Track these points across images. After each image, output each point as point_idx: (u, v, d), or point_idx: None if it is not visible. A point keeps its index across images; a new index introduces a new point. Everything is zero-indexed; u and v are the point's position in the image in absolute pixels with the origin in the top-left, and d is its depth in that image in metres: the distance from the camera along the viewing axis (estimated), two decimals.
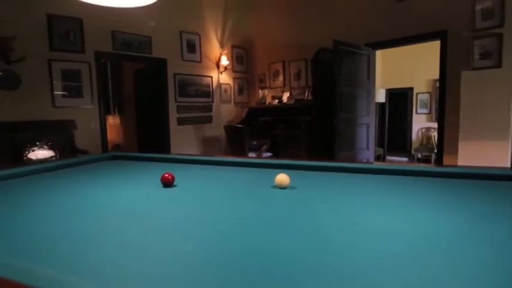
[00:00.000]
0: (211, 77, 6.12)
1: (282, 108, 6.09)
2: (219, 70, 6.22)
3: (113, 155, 2.36)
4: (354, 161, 4.42)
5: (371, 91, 5.21)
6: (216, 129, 6.16)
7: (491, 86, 3.33)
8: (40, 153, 3.71)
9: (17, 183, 1.59)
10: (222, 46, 6.25)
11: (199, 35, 5.85)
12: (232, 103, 6.59)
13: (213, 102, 6.17)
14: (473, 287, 0.60)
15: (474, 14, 3.36)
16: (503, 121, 3.27)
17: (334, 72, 4.55)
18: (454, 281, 0.63)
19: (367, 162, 4.61)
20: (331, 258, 0.74)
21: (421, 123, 7.37)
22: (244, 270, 0.69)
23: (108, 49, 4.67)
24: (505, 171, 1.45)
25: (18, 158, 3.60)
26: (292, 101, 6.02)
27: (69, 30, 4.24)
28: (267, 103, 6.50)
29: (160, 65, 5.34)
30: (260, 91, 6.74)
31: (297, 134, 5.39)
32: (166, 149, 5.41)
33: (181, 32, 5.55)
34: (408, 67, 7.18)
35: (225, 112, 6.42)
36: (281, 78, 6.37)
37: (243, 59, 6.75)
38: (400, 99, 7.55)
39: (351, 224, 0.97)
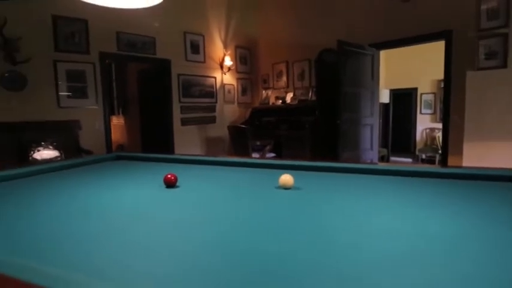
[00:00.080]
0: (215, 78, 6.13)
1: (286, 108, 6.09)
2: (222, 70, 6.24)
3: (117, 155, 2.37)
4: (357, 161, 4.41)
5: (375, 91, 5.19)
6: (219, 130, 6.17)
7: (497, 86, 3.30)
8: (45, 153, 3.74)
9: (22, 183, 1.60)
10: (225, 47, 6.26)
11: (203, 36, 5.86)
12: (236, 103, 6.60)
13: (216, 102, 6.18)
14: None
15: (479, 14, 3.34)
16: (509, 122, 3.25)
17: (338, 73, 4.54)
18: (458, 282, 0.62)
19: (371, 162, 4.59)
20: (335, 258, 0.74)
21: (426, 123, 7.33)
22: (248, 270, 0.69)
23: (113, 50, 4.70)
24: (511, 172, 1.44)
25: (23, 157, 3.63)
26: (295, 102, 6.01)
27: (74, 31, 4.27)
28: (271, 103, 6.50)
29: (164, 65, 5.36)
30: (264, 91, 6.74)
31: (301, 135, 5.38)
32: (170, 149, 5.43)
33: (185, 33, 5.57)
34: (412, 67, 7.15)
35: (229, 112, 6.43)
36: (285, 78, 6.37)
37: (247, 60, 6.75)
38: (404, 99, 7.51)
39: (355, 225, 0.97)
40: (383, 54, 5.67)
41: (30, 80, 3.90)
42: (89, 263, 0.74)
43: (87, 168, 2.00)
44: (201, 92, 5.91)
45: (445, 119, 4.43)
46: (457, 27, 4.12)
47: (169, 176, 1.46)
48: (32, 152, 3.68)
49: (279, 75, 6.46)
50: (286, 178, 1.38)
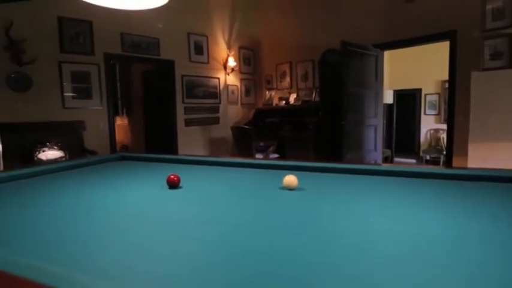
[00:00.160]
0: (219, 78, 6.14)
1: (289, 109, 6.08)
2: (226, 71, 6.25)
3: (121, 155, 2.39)
4: (361, 162, 4.39)
5: (379, 92, 5.17)
6: (223, 131, 6.18)
7: (502, 87, 3.28)
8: (50, 154, 3.77)
9: (27, 184, 1.62)
10: (229, 47, 6.27)
11: (207, 37, 5.88)
12: (239, 104, 6.60)
13: (220, 103, 6.19)
14: None
15: (484, 14, 3.32)
16: None
17: (342, 73, 4.53)
18: (460, 283, 0.62)
19: (375, 163, 4.58)
20: (338, 259, 0.74)
21: (430, 124, 7.29)
22: (250, 271, 0.69)
23: (117, 51, 4.73)
24: None
25: (28, 158, 3.66)
26: (299, 102, 6.01)
27: (79, 33, 4.31)
28: (274, 104, 6.50)
29: (168, 66, 5.38)
30: (267, 92, 6.74)
31: (304, 136, 5.37)
32: (173, 150, 5.44)
33: (188, 34, 5.59)
34: (416, 68, 7.11)
35: (232, 113, 6.44)
36: (288, 79, 6.37)
37: (250, 60, 6.76)
38: (408, 100, 7.48)
39: (358, 226, 0.96)
40: (387, 54, 5.65)
41: (35, 81, 3.93)
42: (92, 263, 0.75)
43: (91, 169, 2.01)
44: (205, 93, 5.92)
45: (450, 119, 4.40)
46: (462, 27, 4.09)
47: (172, 176, 1.46)
48: (37, 153, 3.71)
49: (283, 76, 6.46)
50: (291, 179, 1.38)
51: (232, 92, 6.43)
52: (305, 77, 6.06)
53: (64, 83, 4.21)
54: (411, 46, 5.07)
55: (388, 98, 7.02)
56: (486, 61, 3.34)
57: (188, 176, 1.65)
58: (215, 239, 0.89)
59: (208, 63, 5.94)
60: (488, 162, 3.32)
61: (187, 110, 5.65)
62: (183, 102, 5.59)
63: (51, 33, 4.09)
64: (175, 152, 5.36)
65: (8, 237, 0.92)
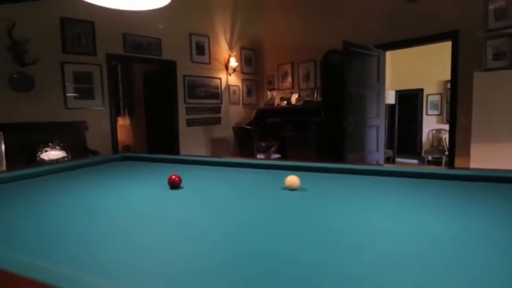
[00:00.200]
0: (220, 79, 6.15)
1: (291, 109, 6.08)
2: (227, 72, 6.25)
3: (123, 155, 2.39)
4: (363, 163, 4.39)
5: (381, 92, 5.16)
6: (224, 131, 6.18)
7: (505, 87, 3.26)
8: (52, 154, 3.78)
9: (29, 184, 1.62)
10: (230, 48, 6.27)
11: (208, 37, 5.89)
12: (241, 104, 6.61)
13: (221, 103, 6.20)
14: None
15: (487, 14, 3.31)
16: None
17: (343, 73, 4.53)
18: (460, 283, 0.62)
19: (377, 164, 4.56)
20: (339, 259, 0.73)
21: (432, 124, 7.27)
22: (252, 271, 0.69)
23: (119, 51, 4.74)
24: None
25: (31, 158, 3.68)
26: (300, 103, 6.01)
27: (81, 33, 4.32)
28: (276, 104, 6.50)
29: (169, 66, 5.39)
30: (269, 92, 6.75)
31: (306, 136, 5.37)
32: (175, 150, 5.45)
33: (190, 34, 5.60)
34: (418, 68, 7.09)
35: (234, 113, 6.44)
36: (290, 79, 6.36)
37: (252, 61, 6.76)
38: (410, 100, 7.46)
39: (360, 226, 0.96)
40: (389, 55, 5.64)
41: (37, 82, 3.95)
42: (94, 263, 0.75)
43: (93, 169, 2.02)
44: (206, 93, 5.93)
45: (452, 120, 4.39)
46: (464, 27, 4.08)
47: (173, 177, 1.46)
48: (39, 153, 3.72)
49: (284, 76, 6.46)
50: (293, 179, 1.38)
51: (234, 92, 6.43)
52: (307, 77, 6.05)
53: (66, 84, 4.23)
54: (413, 46, 5.06)
55: (390, 98, 7.01)
56: (488, 61, 3.33)
57: (190, 176, 1.66)
58: (217, 239, 0.89)
59: (209, 63, 5.94)
60: (491, 162, 3.31)
61: (189, 110, 5.66)
62: (185, 103, 5.60)
63: (54, 33, 4.11)
64: (177, 152, 5.37)
65: (13, 237, 0.93)
